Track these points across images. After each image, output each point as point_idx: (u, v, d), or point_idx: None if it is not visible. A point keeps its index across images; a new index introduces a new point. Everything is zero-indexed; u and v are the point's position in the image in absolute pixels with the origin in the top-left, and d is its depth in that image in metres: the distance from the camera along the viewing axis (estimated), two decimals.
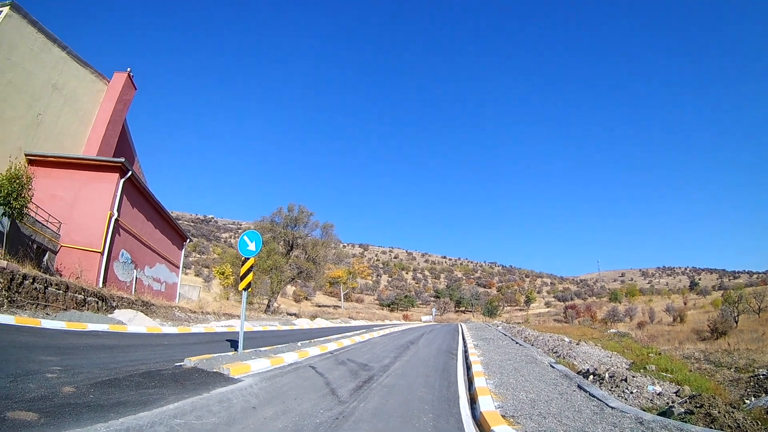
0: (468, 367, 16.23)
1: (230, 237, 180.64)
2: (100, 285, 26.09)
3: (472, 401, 10.90)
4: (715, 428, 9.39)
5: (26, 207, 22.10)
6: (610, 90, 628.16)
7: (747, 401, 22.76)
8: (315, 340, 22.53)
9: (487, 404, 9.92)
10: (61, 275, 23.73)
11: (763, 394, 25.94)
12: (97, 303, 22.12)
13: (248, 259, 14.59)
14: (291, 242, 59.87)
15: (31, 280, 17.96)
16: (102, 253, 26.93)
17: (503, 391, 11.73)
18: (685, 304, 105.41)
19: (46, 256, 25.38)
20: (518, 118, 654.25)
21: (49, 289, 18.99)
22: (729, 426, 9.82)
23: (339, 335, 27.58)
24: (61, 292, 19.73)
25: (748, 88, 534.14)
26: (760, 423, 10.94)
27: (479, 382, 12.68)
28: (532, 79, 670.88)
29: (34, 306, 17.74)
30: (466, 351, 21.59)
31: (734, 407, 12.47)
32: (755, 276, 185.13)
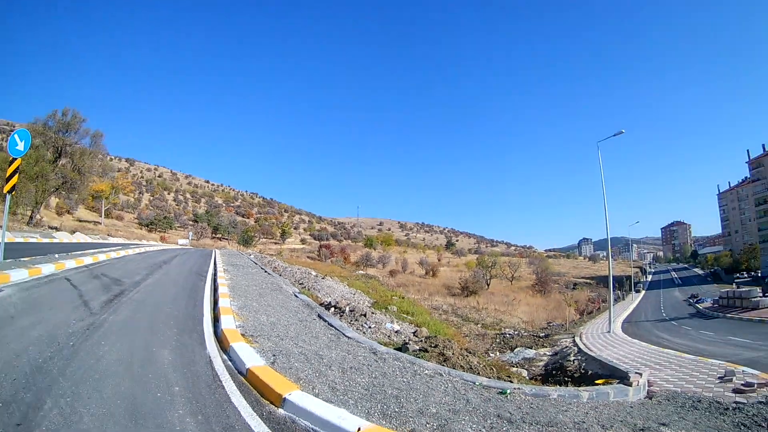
0: (215, 289, 16.62)
1: (2, 140, 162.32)
2: None
3: (216, 320, 11.29)
4: (448, 366, 10.41)
5: None
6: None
7: (492, 354, 25.51)
8: (72, 253, 22.72)
9: (228, 323, 10.41)
10: None
11: (508, 351, 29.35)
12: None
13: (16, 159, 14.43)
14: (60, 149, 55.07)
15: None
16: None
17: (246, 313, 12.43)
18: (439, 260, 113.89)
19: None
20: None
21: None
22: (462, 366, 11.00)
23: (96, 250, 27.63)
24: None
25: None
26: (494, 369, 12.46)
27: (224, 302, 13.24)
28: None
29: None
30: (215, 274, 21.93)
31: (470, 352, 13.94)
32: (513, 248, 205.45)
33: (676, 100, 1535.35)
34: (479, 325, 43.10)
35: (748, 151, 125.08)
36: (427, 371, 9.16)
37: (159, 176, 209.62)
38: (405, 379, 8.25)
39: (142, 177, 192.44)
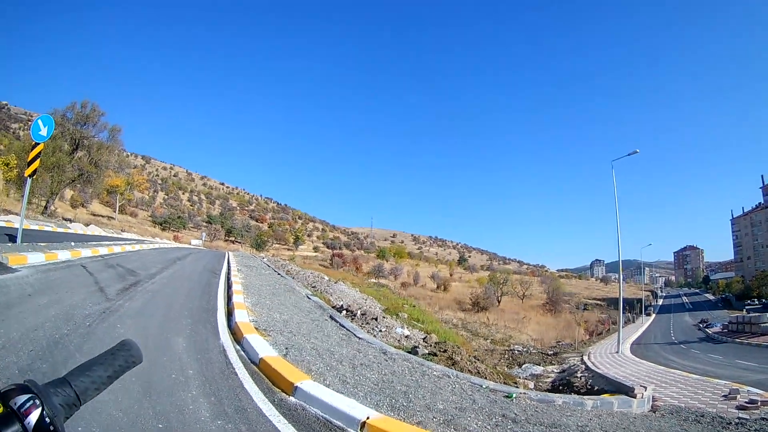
0: (229, 286, 16.75)
1: (20, 128, 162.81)
2: None
3: (229, 314, 11.44)
4: (456, 369, 10.55)
5: None
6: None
7: (500, 368, 25.59)
8: (88, 243, 22.80)
9: (242, 317, 10.56)
10: None
11: (516, 366, 29.47)
12: None
13: (38, 144, 14.75)
14: (77, 141, 54.68)
15: None
16: None
17: (259, 310, 12.60)
18: (451, 275, 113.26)
19: None
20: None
21: None
22: (469, 371, 11.16)
23: (111, 242, 27.77)
24: None
25: None
26: (501, 376, 12.68)
27: (237, 299, 13.36)
28: None
29: None
30: (229, 273, 22.05)
31: (478, 359, 14.11)
32: (525, 266, 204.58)
33: (690, 122, 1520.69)
34: (488, 341, 43.05)
35: (762, 176, 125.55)
36: (435, 372, 9.32)
37: (174, 175, 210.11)
38: (414, 378, 8.39)
39: (157, 175, 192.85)
